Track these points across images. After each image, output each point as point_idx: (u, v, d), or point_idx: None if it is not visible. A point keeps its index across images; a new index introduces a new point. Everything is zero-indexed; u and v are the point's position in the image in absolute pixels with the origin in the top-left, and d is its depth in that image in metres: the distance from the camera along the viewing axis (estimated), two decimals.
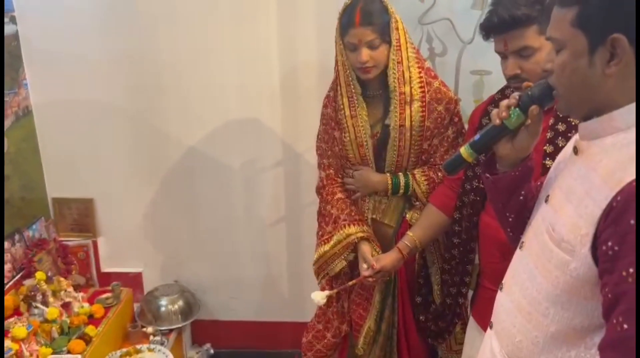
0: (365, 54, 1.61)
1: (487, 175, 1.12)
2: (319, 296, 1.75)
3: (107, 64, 2.34)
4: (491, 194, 1.16)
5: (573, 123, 1.37)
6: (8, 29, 2.24)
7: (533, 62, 1.34)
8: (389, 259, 1.70)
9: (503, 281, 1.10)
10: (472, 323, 1.64)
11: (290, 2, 2.24)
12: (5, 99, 2.23)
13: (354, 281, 1.75)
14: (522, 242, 1.06)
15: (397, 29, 1.63)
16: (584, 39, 0.87)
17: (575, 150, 0.96)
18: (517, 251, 1.08)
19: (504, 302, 1.07)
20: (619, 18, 0.83)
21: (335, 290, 1.80)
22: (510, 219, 1.14)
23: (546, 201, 1.01)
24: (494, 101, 1.58)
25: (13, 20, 2.27)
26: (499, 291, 1.11)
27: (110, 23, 2.30)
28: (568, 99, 0.94)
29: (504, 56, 1.40)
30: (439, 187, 1.73)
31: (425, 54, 2.12)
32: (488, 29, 1.38)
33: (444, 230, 1.72)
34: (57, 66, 2.35)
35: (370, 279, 1.71)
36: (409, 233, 1.72)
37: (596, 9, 0.85)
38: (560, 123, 1.39)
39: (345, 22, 1.62)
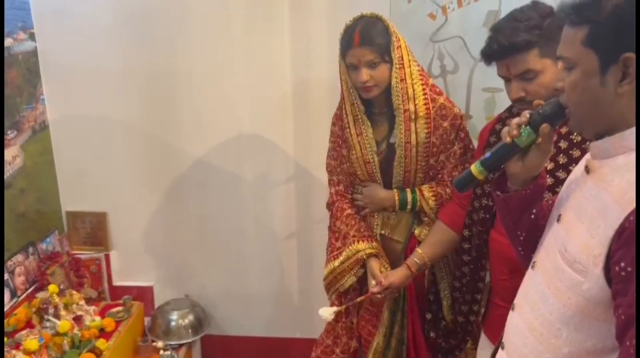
0: (365, 73, 1.63)
1: (498, 193, 1.12)
2: (327, 313, 1.74)
3: (121, 79, 2.38)
4: (502, 213, 1.16)
5: (575, 141, 1.36)
6: (27, 45, 2.29)
7: (537, 85, 1.34)
8: (397, 276, 1.70)
9: (515, 302, 1.09)
10: (483, 340, 1.63)
11: (303, 17, 2.27)
12: (23, 114, 2.27)
13: (362, 297, 1.75)
14: (534, 262, 1.05)
15: (399, 47, 1.65)
16: (596, 58, 0.87)
17: (587, 169, 0.96)
18: (529, 270, 1.07)
19: (515, 322, 1.06)
20: (630, 37, 0.83)
21: (343, 306, 1.79)
22: (521, 238, 1.13)
23: (558, 220, 1.00)
24: (501, 119, 1.58)
25: (32, 37, 2.32)
26: (510, 311, 1.10)
27: (125, 39, 2.34)
28: (580, 117, 0.94)
29: (507, 80, 1.40)
30: (448, 204, 1.73)
31: (436, 72, 2.13)
32: (489, 56, 1.38)
33: (453, 247, 1.72)
34: (74, 82, 2.40)
35: (378, 295, 1.70)
36: (418, 249, 1.71)
37: (607, 29, 0.85)
38: (562, 140, 1.38)
39: (345, 43, 1.65)
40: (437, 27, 2.08)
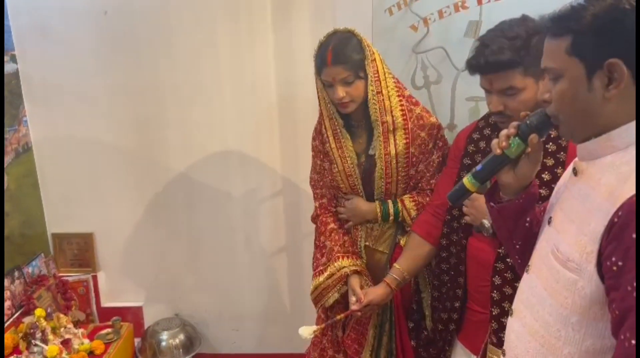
0: (340, 90, 1.65)
1: (492, 204, 1.13)
2: (306, 332, 1.72)
3: (106, 99, 2.38)
4: (497, 223, 1.17)
5: (561, 143, 1.39)
6: (8, 67, 2.27)
7: (517, 101, 1.36)
8: (377, 293, 1.69)
9: (513, 307, 1.10)
10: (459, 348, 1.62)
11: (287, 35, 2.29)
12: (6, 136, 2.25)
13: (341, 315, 1.74)
14: (529, 266, 1.07)
15: (373, 60, 1.67)
16: (581, 66, 0.89)
17: (575, 171, 0.98)
18: (525, 275, 1.08)
19: (515, 327, 1.06)
20: (613, 43, 0.86)
21: (322, 325, 1.78)
22: (517, 246, 1.14)
23: (549, 223, 1.02)
24: (478, 128, 1.60)
25: (13, 59, 2.30)
26: (509, 317, 1.10)
27: (109, 58, 2.34)
28: (570, 125, 0.96)
29: (488, 92, 1.42)
30: (421, 215, 1.73)
31: (420, 83, 2.15)
32: (474, 68, 1.40)
33: (431, 258, 1.71)
34: (57, 103, 2.38)
35: (358, 313, 1.70)
36: (396, 265, 1.71)
37: (590, 37, 0.87)
38: (550, 143, 1.40)
39: (319, 61, 1.66)
40: (419, 38, 2.11)
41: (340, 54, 1.63)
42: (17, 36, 2.31)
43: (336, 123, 1.75)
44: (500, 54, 1.33)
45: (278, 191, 2.49)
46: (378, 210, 1.77)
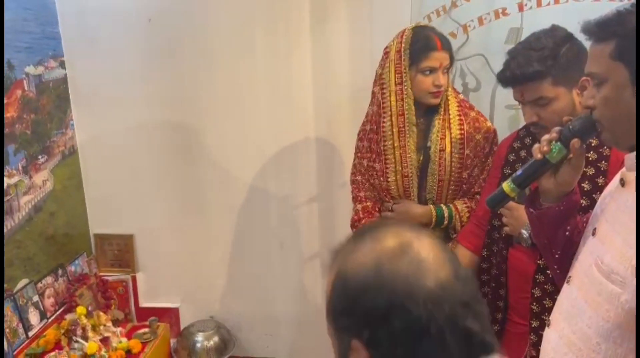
0: (443, 77, 1.69)
1: (532, 210, 1.11)
2: None
3: (146, 105, 2.44)
4: (536, 230, 1.14)
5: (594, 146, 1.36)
6: (57, 72, 2.36)
7: (549, 111, 1.36)
8: None
9: (550, 317, 1.07)
10: None
11: (324, 40, 2.30)
12: (53, 139, 2.33)
13: None
14: (570, 276, 1.04)
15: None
16: (625, 70, 0.87)
17: (622, 182, 0.95)
18: (565, 285, 1.06)
19: (552, 338, 1.04)
20: None
21: None
22: (556, 255, 1.12)
23: (593, 234, 0.99)
24: (519, 137, 1.58)
25: (62, 65, 2.40)
26: (546, 328, 1.08)
27: (151, 66, 2.40)
28: (614, 131, 0.93)
29: (521, 103, 1.43)
30: (466, 225, 1.71)
31: (459, 90, 2.13)
32: (503, 82, 1.44)
33: (477, 269, 1.69)
34: (101, 108, 2.46)
35: None
36: None
37: (633, 41, 0.86)
38: (591, 152, 1.37)
39: (424, 47, 1.68)
40: (459, 45, 2.09)
41: (446, 41, 1.70)
42: (66, 43, 2.40)
43: (406, 120, 1.72)
44: (527, 66, 1.34)
45: (313, 197, 2.50)
46: (433, 213, 1.74)
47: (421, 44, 1.68)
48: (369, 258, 0.66)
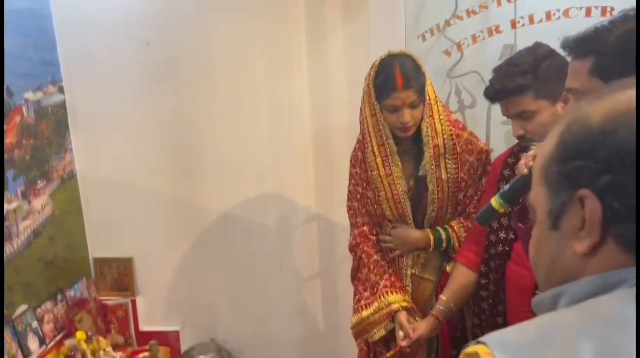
0: (407, 114, 1.62)
1: (520, 225, 1.11)
2: None
3: (146, 128, 2.45)
4: (525, 246, 1.14)
5: None
6: (56, 98, 2.38)
7: (534, 124, 1.41)
8: (425, 327, 1.66)
9: None
10: None
11: (322, 64, 2.33)
12: (52, 163, 2.34)
13: (391, 352, 1.71)
14: None
15: (429, 84, 1.67)
16: (602, 86, 0.88)
17: None
18: None
19: None
20: (635, 63, 0.84)
21: None
22: None
23: None
24: (513, 153, 1.59)
25: (61, 90, 2.41)
26: None
27: (150, 89, 2.41)
28: None
29: (508, 117, 1.48)
30: (464, 243, 1.71)
31: (454, 107, 2.14)
32: (487, 98, 1.50)
33: (476, 287, 1.69)
34: (100, 132, 2.47)
35: (407, 349, 1.67)
36: (442, 296, 1.69)
37: (612, 58, 0.87)
38: None
39: (384, 85, 1.62)
40: (453, 63, 2.11)
41: (410, 78, 1.61)
42: (65, 68, 2.42)
43: (387, 149, 1.70)
44: (507, 81, 1.40)
45: (312, 217, 2.49)
46: (432, 237, 1.74)
47: (382, 81, 1.62)
48: (619, 100, 0.59)
